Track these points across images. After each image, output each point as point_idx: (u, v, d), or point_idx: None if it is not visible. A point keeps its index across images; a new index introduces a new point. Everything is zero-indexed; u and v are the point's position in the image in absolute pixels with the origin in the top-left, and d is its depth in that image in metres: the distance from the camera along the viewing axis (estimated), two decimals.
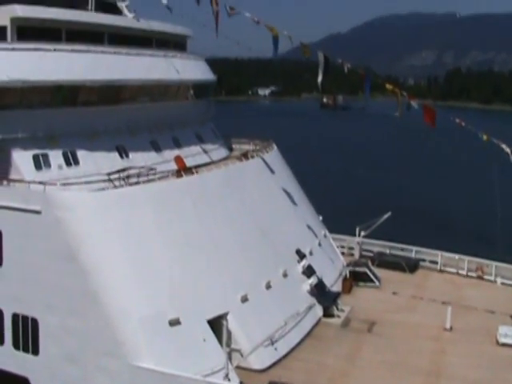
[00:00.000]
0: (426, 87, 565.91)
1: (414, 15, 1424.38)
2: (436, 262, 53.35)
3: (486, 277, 50.94)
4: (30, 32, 39.50)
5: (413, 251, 55.17)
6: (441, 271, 52.81)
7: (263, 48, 46.94)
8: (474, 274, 51.53)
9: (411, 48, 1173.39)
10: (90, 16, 45.02)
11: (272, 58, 43.16)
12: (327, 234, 52.16)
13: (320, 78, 41.51)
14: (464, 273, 51.90)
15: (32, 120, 38.15)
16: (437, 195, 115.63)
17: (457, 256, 52.54)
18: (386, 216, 54.36)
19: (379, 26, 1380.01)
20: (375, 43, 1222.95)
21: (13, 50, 38.14)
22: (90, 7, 47.79)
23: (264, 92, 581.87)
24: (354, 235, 55.51)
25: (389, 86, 41.23)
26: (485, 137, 40.48)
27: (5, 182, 36.72)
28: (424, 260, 54.21)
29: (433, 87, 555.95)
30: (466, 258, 52.15)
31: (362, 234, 54.93)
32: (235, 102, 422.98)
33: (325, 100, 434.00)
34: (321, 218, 53.83)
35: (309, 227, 48.82)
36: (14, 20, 39.19)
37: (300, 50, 42.19)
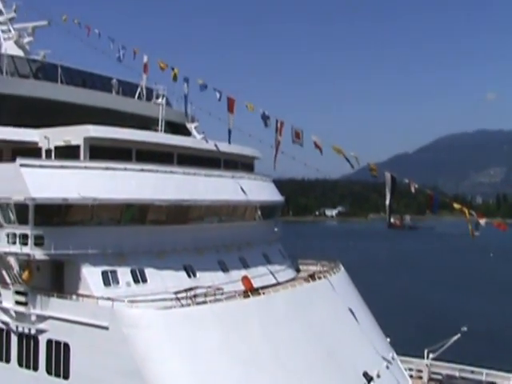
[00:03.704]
0: (494, 205, 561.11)
1: (480, 133, 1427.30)
2: None
3: None
4: (101, 151, 40.77)
5: (483, 374, 53.32)
6: None
7: (330, 169, 47.46)
8: None
9: (479, 166, 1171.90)
10: (159, 137, 46.42)
11: (339, 182, 43.71)
12: (395, 356, 50.92)
13: (388, 199, 41.63)
14: None
15: (102, 237, 38.90)
16: (508, 316, 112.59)
17: None
18: (455, 337, 53.07)
19: (446, 144, 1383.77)
20: (442, 162, 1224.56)
21: (85, 168, 39.45)
22: (160, 128, 49.34)
23: (331, 212, 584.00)
24: (423, 357, 54.16)
25: (457, 206, 41.04)
26: None
27: (74, 297, 37.41)
28: (495, 383, 52.38)
29: (502, 205, 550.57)
30: None
31: (431, 356, 53.52)
32: (302, 223, 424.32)
33: (392, 220, 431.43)
34: (388, 339, 52.79)
35: (376, 349, 47.87)
36: (86, 140, 40.59)
37: (367, 170, 42.52)
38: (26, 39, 57.04)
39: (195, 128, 52.89)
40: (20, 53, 54.46)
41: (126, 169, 40.77)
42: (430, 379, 53.76)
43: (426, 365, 54.14)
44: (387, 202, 41.83)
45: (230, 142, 48.28)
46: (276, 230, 54.95)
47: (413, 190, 42.28)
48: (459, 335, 53.12)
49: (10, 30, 56.57)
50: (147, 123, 49.97)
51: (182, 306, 37.06)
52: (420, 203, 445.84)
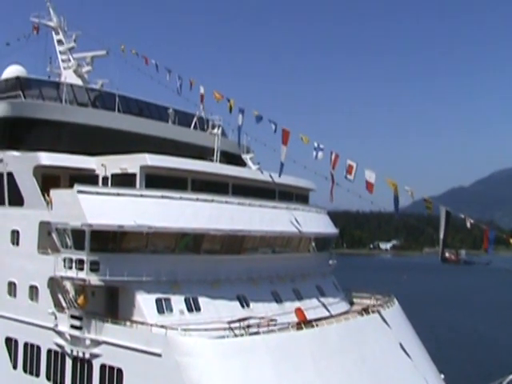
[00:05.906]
0: None
1: None
2: None
3: None
4: (157, 180, 41.47)
5: None
6: None
7: (385, 201, 47.04)
8: None
9: None
10: (215, 167, 46.80)
11: (394, 215, 43.01)
12: None
13: (442, 233, 41.15)
14: None
15: (156, 264, 39.38)
16: None
17: None
18: (510, 377, 51.95)
19: (503, 178, 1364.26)
20: (499, 196, 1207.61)
21: (141, 196, 39.97)
22: (215, 158, 49.68)
23: (385, 246, 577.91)
24: None
25: None
26: None
27: (128, 323, 37.76)
28: None
29: None
30: None
31: None
32: (357, 255, 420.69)
33: (447, 254, 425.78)
34: (443, 376, 51.93)
35: None
36: (143, 168, 41.29)
37: (422, 203, 42.16)
38: (85, 68, 58.21)
39: (250, 159, 53.18)
40: (79, 82, 55.65)
41: (181, 198, 41.22)
42: None
43: None
44: (441, 236, 41.35)
45: (280, 175, 48.16)
46: (331, 262, 54.78)
47: (468, 225, 41.74)
48: None
49: (69, 60, 57.91)
50: (203, 153, 50.41)
51: (235, 335, 37.13)
52: (475, 238, 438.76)
